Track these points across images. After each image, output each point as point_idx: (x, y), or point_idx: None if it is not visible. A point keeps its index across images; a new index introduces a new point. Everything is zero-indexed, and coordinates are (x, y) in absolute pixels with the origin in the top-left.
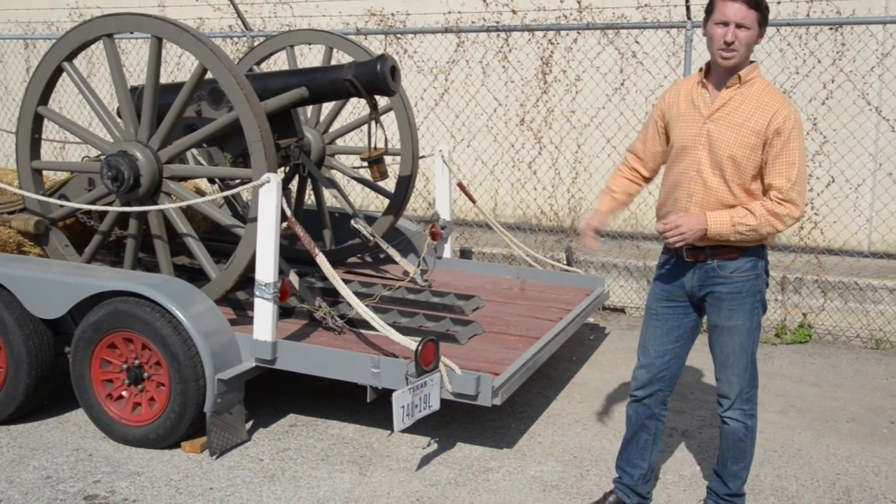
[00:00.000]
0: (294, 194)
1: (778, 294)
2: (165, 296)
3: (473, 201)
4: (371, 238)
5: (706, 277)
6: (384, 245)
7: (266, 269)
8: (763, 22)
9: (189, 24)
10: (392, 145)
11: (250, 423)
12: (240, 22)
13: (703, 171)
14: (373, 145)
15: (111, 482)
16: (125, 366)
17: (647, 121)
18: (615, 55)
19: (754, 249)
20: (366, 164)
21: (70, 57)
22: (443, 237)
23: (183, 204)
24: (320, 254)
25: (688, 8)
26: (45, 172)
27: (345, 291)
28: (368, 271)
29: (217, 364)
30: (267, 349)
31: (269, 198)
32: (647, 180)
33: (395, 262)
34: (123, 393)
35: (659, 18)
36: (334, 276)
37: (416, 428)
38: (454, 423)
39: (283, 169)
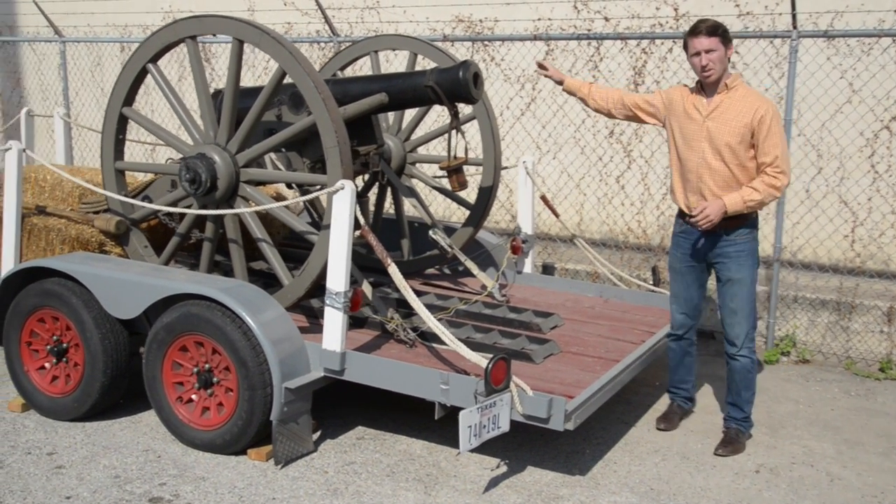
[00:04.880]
0: (373, 202)
1: (884, 325)
2: (236, 301)
3: (557, 215)
4: (449, 250)
5: (717, 242)
6: (462, 257)
7: (337, 278)
8: (725, 40)
9: (277, 29)
10: (475, 155)
11: (318, 433)
12: (327, 27)
13: (707, 158)
14: (452, 154)
15: (176, 486)
16: (195, 369)
17: (654, 94)
18: None
19: (751, 219)
20: (445, 173)
21: (154, 59)
22: (524, 251)
23: (256, 209)
24: (392, 264)
25: (794, 17)
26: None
27: (415, 304)
28: (446, 283)
29: (285, 372)
30: (335, 359)
31: (342, 205)
32: (608, 113)
33: (473, 276)
34: (193, 396)
35: (762, 28)
36: (406, 288)
37: (485, 448)
38: (526, 445)
39: (362, 176)
